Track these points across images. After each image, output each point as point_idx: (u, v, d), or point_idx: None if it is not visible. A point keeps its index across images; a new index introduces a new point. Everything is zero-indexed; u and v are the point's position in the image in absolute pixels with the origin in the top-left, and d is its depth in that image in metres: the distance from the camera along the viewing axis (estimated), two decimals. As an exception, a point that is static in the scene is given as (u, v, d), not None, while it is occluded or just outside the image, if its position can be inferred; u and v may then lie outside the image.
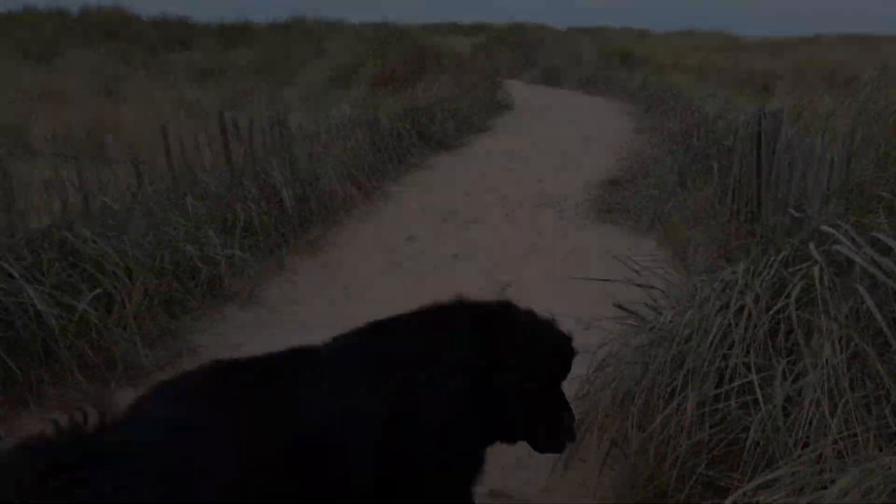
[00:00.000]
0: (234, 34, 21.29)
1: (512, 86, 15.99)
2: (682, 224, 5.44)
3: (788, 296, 2.22)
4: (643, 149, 9.41)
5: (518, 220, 6.43)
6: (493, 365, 1.76)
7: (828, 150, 3.44)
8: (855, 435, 1.86)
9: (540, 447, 1.95)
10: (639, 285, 2.94)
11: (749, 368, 2.15)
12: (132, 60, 17.38)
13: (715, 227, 4.93)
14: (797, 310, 2.19)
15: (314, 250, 5.49)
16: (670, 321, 2.48)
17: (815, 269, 2.17)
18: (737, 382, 2.15)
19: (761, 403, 2.05)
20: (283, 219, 5.45)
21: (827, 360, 2.00)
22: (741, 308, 2.30)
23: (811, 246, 2.28)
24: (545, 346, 1.85)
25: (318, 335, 1.85)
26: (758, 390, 2.08)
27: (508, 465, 2.47)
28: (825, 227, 2.33)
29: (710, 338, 2.26)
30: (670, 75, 18.89)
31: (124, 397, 2.68)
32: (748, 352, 2.20)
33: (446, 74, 13.52)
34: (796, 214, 2.95)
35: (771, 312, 2.25)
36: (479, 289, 3.08)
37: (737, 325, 2.25)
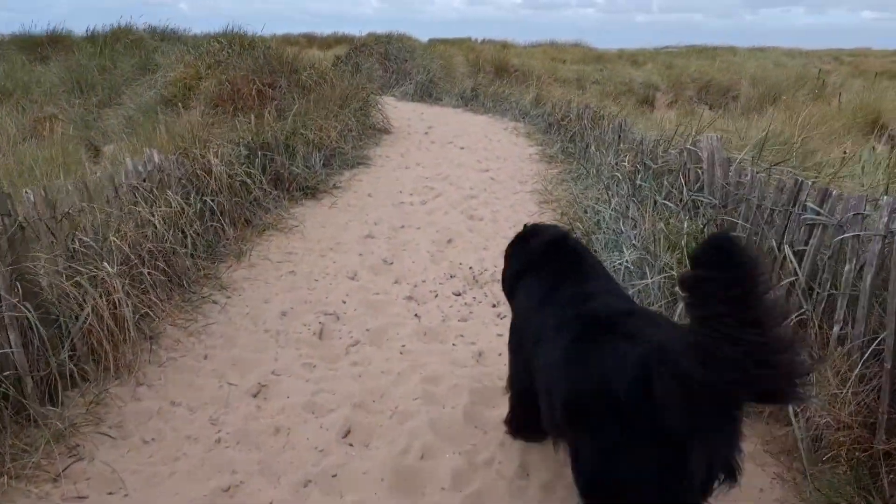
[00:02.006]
0: (42, 46, 17.28)
1: (386, 103, 13.57)
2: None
3: None
4: (565, 186, 7.33)
5: (433, 333, 4.00)
6: None
7: None
8: None
9: None
10: None
11: None
12: None
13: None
14: None
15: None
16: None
17: None
18: None
19: None
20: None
21: None
22: None
23: None
24: None
25: None
26: None
27: None
28: None
29: None
30: (549, 88, 17.33)
31: None
32: None
33: (306, 92, 10.88)
34: None
35: None
36: None
37: None
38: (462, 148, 9.83)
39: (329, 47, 29.51)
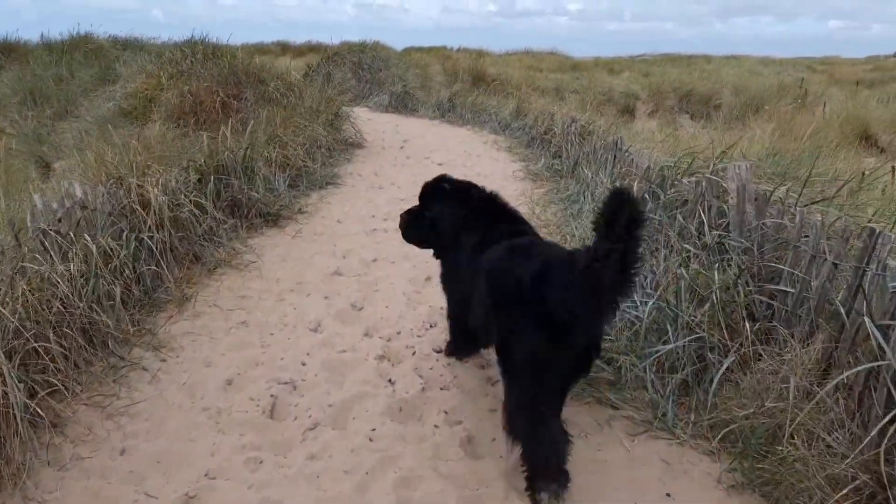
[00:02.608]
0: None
1: (359, 115, 12.82)
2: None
3: None
4: (554, 208, 6.64)
5: (410, 409, 3.25)
6: None
7: None
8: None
9: None
10: None
11: None
12: None
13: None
14: None
15: None
16: None
17: None
18: None
19: None
20: None
21: None
22: None
23: None
24: None
25: None
26: None
27: None
28: None
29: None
30: (529, 98, 16.69)
31: None
32: None
33: (274, 105, 10.10)
34: None
35: None
36: None
37: None
38: (440, 164, 9.10)
39: (302, 55, 28.66)
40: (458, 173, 8.06)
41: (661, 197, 4.31)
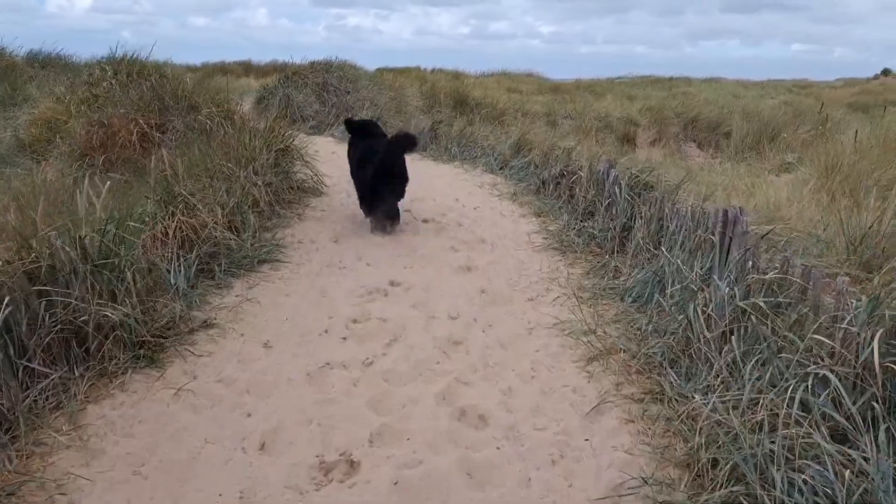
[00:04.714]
0: None
1: (321, 148, 10.17)
2: None
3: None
4: (613, 311, 4.08)
5: None
6: None
7: None
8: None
9: None
10: None
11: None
12: None
13: None
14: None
15: None
16: None
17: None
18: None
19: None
20: None
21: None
22: None
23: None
24: None
25: None
26: None
27: None
28: None
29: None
30: (517, 123, 14.21)
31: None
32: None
33: (207, 136, 7.42)
34: None
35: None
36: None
37: None
38: (425, 221, 6.50)
39: (266, 75, 25.84)
40: (451, 237, 5.38)
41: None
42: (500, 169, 8.65)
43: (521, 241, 5.84)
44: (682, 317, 3.44)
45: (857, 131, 13.49)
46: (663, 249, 4.21)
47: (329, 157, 9.67)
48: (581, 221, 5.91)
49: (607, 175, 5.78)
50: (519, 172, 8.20)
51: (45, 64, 13.41)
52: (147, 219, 4.20)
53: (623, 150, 14.11)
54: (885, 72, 31.10)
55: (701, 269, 3.71)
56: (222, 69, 29.61)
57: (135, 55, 10.35)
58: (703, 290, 3.47)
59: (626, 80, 33.66)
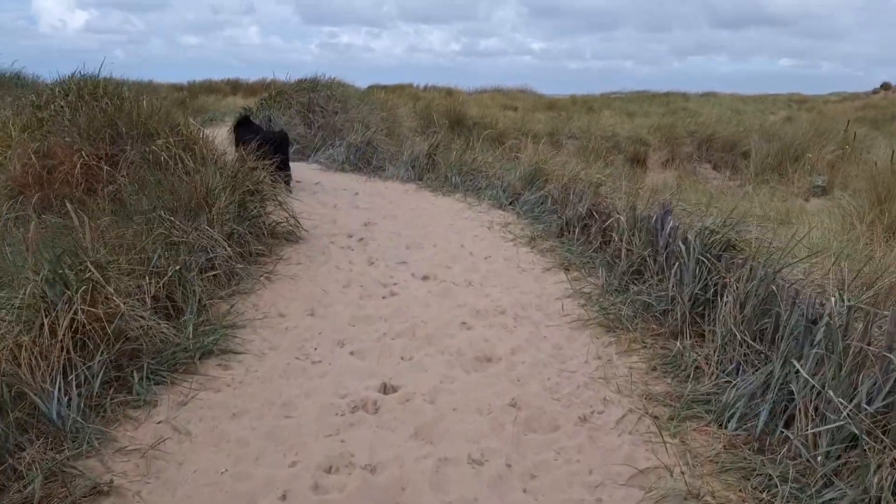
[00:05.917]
0: None
1: (304, 178, 8.85)
2: None
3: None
4: (697, 429, 2.68)
5: None
6: None
7: None
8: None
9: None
10: None
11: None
12: None
13: None
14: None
15: None
16: None
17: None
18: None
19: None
20: None
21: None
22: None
23: None
24: None
25: None
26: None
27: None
28: None
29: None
30: (524, 147, 12.88)
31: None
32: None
33: (162, 170, 6.07)
34: None
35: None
36: None
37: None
38: (425, 279, 5.11)
39: (254, 94, 24.49)
40: (459, 303, 3.84)
41: None
42: (510, 204, 7.28)
43: (550, 310, 4.45)
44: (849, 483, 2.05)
45: (894, 152, 12.12)
46: (780, 352, 2.83)
47: (311, 187, 8.31)
48: (626, 282, 4.53)
49: (662, 224, 4.42)
50: (534, 209, 6.84)
51: (1, 84, 11.99)
52: (13, 317, 2.78)
53: (634, 172, 12.84)
54: (885, 86, 30.13)
55: (868, 402, 2.32)
56: (209, 87, 28.26)
57: (94, 73, 8.91)
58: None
59: (621, 95, 32.54)
